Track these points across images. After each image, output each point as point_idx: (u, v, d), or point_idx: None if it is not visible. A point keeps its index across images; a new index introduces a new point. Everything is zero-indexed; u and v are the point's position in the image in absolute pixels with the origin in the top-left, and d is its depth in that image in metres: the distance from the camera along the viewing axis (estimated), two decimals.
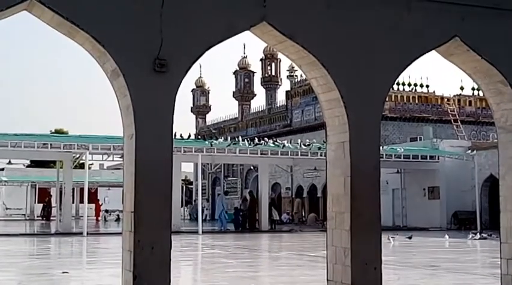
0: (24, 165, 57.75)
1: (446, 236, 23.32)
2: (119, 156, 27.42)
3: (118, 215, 41.79)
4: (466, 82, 41.68)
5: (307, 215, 39.77)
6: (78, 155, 27.49)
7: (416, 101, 39.30)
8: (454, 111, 38.86)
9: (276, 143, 29.62)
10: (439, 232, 27.53)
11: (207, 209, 39.79)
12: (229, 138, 30.00)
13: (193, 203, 46.12)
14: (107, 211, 44.24)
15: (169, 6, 6.64)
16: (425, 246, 20.03)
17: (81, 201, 38.34)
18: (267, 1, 6.97)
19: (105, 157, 28.45)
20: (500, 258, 8.14)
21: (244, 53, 52.66)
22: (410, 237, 22.54)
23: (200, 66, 57.37)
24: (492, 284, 10.20)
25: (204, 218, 34.71)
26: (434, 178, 31.38)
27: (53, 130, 57.98)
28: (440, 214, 31.07)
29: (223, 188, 47.62)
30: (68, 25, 6.47)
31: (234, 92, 52.10)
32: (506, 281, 8.03)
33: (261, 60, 49.13)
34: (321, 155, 27.84)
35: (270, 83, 48.67)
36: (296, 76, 45.26)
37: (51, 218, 40.32)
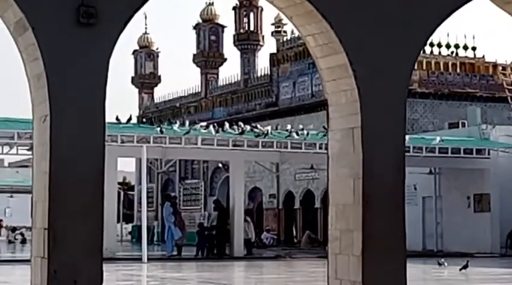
0: None
1: None
2: (27, 148, 27.26)
3: (22, 234, 41.56)
4: None
5: (299, 235, 39.92)
6: None
7: (458, 70, 39.53)
8: None
9: (255, 130, 29.63)
10: (490, 259, 27.72)
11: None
12: (187, 123, 29.92)
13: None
14: (14, 229, 43.79)
15: None
16: (469, 279, 20.19)
17: None
18: None
19: (5, 149, 28.28)
20: None
21: None
22: (465, 267, 21.60)
23: (145, 17, 57.17)
24: None
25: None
26: (482, 181, 31.60)
27: None
28: (491, 234, 31.32)
29: (179, 192, 47.57)
30: None
31: (194, 55, 52.00)
32: None
33: (234, 8, 49.07)
34: (320, 147, 27.93)
35: (247, 43, 48.64)
36: (285, 32, 45.22)
37: None
